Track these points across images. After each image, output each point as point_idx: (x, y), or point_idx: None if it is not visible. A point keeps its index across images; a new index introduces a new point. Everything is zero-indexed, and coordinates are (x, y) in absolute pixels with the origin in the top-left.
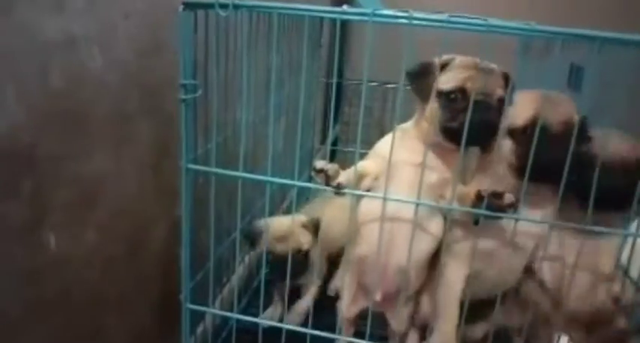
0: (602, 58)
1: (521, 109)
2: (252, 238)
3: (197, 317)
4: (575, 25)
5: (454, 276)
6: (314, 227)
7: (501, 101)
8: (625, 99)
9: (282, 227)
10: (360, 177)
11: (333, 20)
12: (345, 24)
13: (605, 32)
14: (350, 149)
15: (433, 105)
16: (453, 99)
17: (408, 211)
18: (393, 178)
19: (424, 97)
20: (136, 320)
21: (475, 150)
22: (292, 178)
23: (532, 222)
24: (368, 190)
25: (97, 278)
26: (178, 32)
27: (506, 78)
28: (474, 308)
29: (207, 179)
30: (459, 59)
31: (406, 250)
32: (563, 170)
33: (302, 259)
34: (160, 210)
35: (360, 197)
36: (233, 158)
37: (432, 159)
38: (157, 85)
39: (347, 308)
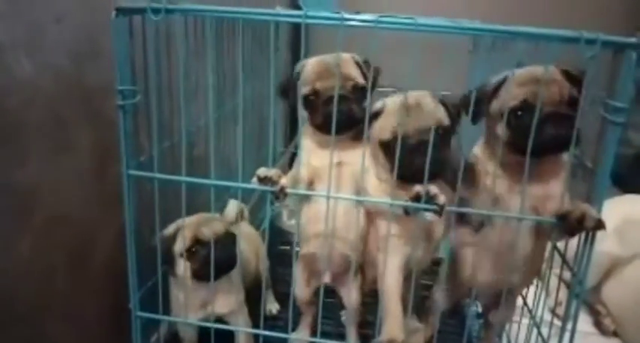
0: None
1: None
2: (163, 249)
3: (150, 326)
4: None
5: (389, 271)
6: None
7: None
8: None
9: (205, 216)
10: (296, 182)
11: (290, 23)
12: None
13: (542, 28)
14: None
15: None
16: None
17: (340, 207)
18: (321, 180)
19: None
20: (85, 331)
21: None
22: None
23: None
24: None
25: (37, 289)
26: (112, 38)
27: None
28: None
29: (162, 185)
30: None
31: (346, 239)
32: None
33: (232, 241)
34: (106, 217)
35: (302, 199)
36: (187, 163)
37: (345, 155)
38: (96, 91)
39: (301, 291)
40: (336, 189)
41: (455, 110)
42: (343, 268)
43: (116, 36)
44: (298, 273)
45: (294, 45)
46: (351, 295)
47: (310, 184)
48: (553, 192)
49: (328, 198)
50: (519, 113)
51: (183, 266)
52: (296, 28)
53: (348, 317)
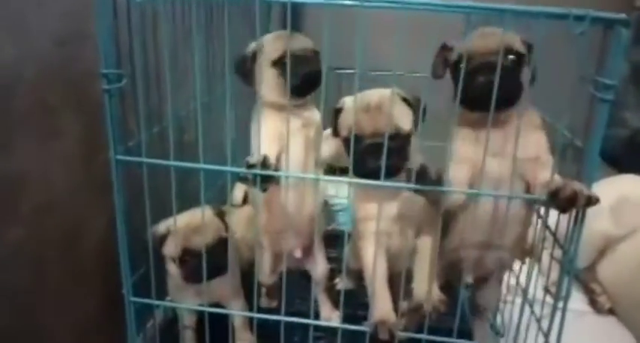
0: (530, 34)
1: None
2: (155, 244)
3: (146, 312)
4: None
5: (368, 256)
6: (220, 215)
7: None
8: (552, 73)
9: (196, 218)
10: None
11: (282, 5)
12: (295, 8)
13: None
14: None
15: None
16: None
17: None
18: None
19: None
20: (79, 318)
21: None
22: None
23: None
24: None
25: (29, 276)
26: (96, 19)
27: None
28: None
29: (154, 170)
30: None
31: (310, 203)
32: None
33: (223, 250)
34: (96, 203)
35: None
36: (176, 147)
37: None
38: (82, 75)
39: (267, 277)
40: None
41: (417, 103)
42: (310, 237)
43: (99, 17)
44: (265, 257)
45: (285, 27)
46: (320, 267)
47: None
48: (535, 156)
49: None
50: (460, 65)
51: (173, 267)
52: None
53: (319, 285)
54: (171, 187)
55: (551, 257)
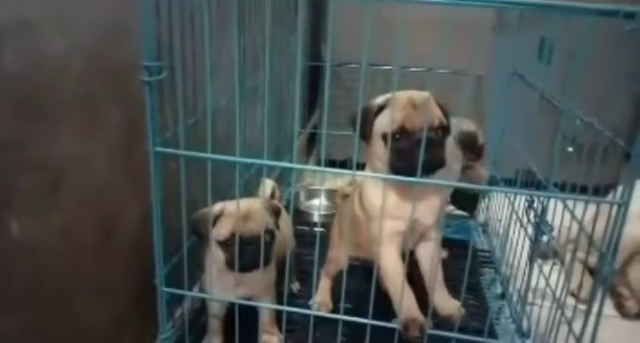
0: (570, 30)
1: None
2: (195, 226)
3: (175, 301)
4: None
5: (389, 258)
6: (274, 210)
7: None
8: (593, 70)
9: (249, 207)
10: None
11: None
12: (319, 4)
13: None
14: (331, 131)
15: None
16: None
17: None
18: None
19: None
20: (114, 307)
21: None
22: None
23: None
24: None
25: (67, 264)
26: (141, 14)
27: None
28: None
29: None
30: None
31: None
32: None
33: (271, 241)
34: (133, 194)
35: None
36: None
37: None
38: (123, 68)
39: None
40: None
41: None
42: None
43: (143, 11)
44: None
45: (314, 25)
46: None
47: None
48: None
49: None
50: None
51: (219, 252)
52: (316, 7)
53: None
54: (207, 180)
55: (583, 261)
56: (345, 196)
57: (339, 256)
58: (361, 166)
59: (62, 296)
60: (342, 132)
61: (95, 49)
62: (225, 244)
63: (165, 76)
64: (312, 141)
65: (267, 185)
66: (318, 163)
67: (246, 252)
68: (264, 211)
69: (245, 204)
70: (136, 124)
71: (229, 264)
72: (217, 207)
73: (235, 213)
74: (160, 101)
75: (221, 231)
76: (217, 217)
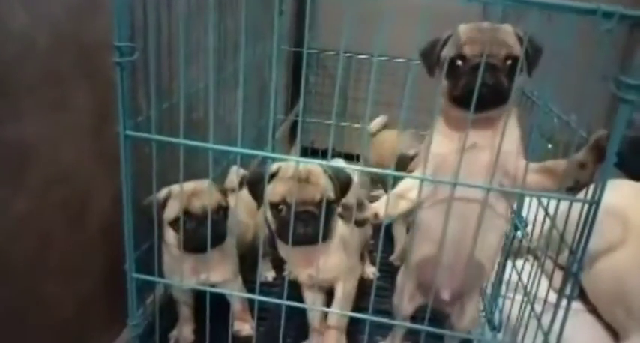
0: (552, 28)
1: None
2: (145, 212)
3: (146, 288)
4: None
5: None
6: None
7: (510, 58)
8: (572, 68)
9: (197, 186)
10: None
11: None
12: None
13: None
14: (313, 120)
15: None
16: (455, 67)
17: (476, 197)
18: (447, 170)
19: (433, 73)
20: (81, 290)
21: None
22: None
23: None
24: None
25: (34, 246)
26: None
27: (519, 36)
28: None
29: (160, 148)
30: (461, 27)
31: (478, 241)
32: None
33: (223, 217)
34: (104, 177)
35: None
36: (185, 125)
37: (481, 138)
38: (95, 47)
39: (404, 306)
40: (469, 178)
41: (342, 185)
42: (466, 283)
43: None
44: (403, 283)
45: (299, 11)
46: (466, 319)
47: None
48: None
49: (455, 185)
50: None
51: (171, 235)
52: None
53: (454, 339)
54: (179, 165)
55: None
56: None
57: None
58: (355, 157)
59: (29, 279)
60: (325, 121)
61: (64, 25)
62: (176, 223)
63: (139, 58)
64: (294, 129)
65: (235, 173)
66: (304, 152)
67: (198, 231)
68: (215, 190)
69: (194, 184)
70: (107, 106)
71: (185, 245)
72: (163, 191)
73: (184, 192)
74: (132, 83)
75: (171, 212)
76: (166, 200)
